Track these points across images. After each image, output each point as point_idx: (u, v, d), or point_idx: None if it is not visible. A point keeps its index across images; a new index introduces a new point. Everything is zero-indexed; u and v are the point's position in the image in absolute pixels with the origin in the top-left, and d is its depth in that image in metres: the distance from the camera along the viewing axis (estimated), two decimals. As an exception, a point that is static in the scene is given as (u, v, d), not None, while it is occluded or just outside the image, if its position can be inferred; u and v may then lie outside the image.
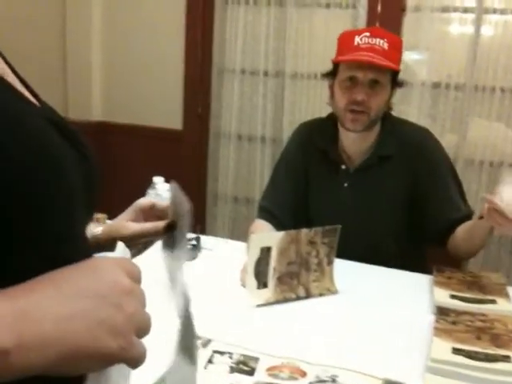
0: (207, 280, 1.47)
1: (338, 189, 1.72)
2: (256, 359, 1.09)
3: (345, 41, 1.64)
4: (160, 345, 0.68)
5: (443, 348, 1.10)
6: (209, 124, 2.86)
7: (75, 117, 2.77)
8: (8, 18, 2.51)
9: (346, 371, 1.05)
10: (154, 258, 0.72)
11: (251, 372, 1.05)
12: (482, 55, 2.36)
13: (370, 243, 1.69)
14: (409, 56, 2.39)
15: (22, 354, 0.41)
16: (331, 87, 1.68)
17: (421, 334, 1.21)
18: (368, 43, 1.58)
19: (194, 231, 1.68)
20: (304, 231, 1.42)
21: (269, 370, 1.06)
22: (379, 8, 2.48)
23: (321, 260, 1.45)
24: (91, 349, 0.44)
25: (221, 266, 1.61)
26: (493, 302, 1.36)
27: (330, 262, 1.47)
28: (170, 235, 0.70)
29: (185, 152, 2.85)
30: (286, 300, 1.40)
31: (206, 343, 1.13)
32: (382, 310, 1.36)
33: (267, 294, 1.38)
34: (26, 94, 0.58)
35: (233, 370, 1.05)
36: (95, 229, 0.78)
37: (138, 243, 0.79)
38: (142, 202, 0.84)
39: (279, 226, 1.68)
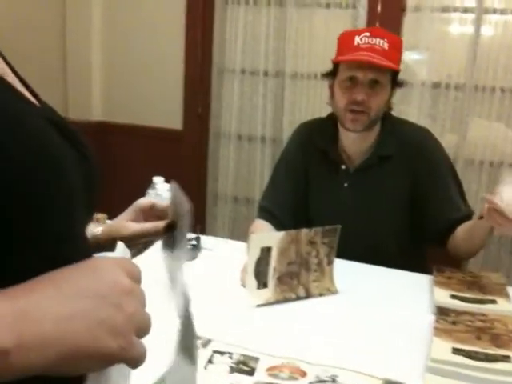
0: (207, 280, 1.47)
1: (337, 189, 1.72)
2: (256, 359, 1.09)
3: (345, 41, 1.64)
4: (160, 345, 0.68)
5: (443, 348, 1.10)
6: (209, 124, 2.86)
7: (75, 117, 2.76)
8: (8, 18, 2.51)
9: (345, 371, 1.05)
10: (153, 258, 0.72)
11: (251, 372, 1.05)
12: (482, 55, 2.36)
13: (370, 243, 1.69)
14: (409, 56, 2.39)
15: (22, 354, 0.41)
16: (331, 87, 1.68)
17: (421, 334, 1.21)
18: (368, 43, 1.58)
19: (194, 231, 1.68)
20: (304, 231, 1.42)
21: (269, 370, 1.06)
22: (379, 8, 2.48)
23: (321, 260, 1.45)
24: (91, 349, 0.44)
25: (221, 265, 1.61)
26: (493, 302, 1.36)
27: (330, 262, 1.47)
28: (169, 235, 0.70)
29: (185, 152, 2.84)
30: (285, 300, 1.40)
31: (206, 343, 1.13)
32: (382, 310, 1.36)
33: (267, 294, 1.38)
34: (26, 94, 0.58)
35: (233, 370, 1.05)
36: (95, 229, 0.78)
37: (137, 243, 0.79)
38: (142, 202, 0.84)
39: (279, 226, 1.68)
